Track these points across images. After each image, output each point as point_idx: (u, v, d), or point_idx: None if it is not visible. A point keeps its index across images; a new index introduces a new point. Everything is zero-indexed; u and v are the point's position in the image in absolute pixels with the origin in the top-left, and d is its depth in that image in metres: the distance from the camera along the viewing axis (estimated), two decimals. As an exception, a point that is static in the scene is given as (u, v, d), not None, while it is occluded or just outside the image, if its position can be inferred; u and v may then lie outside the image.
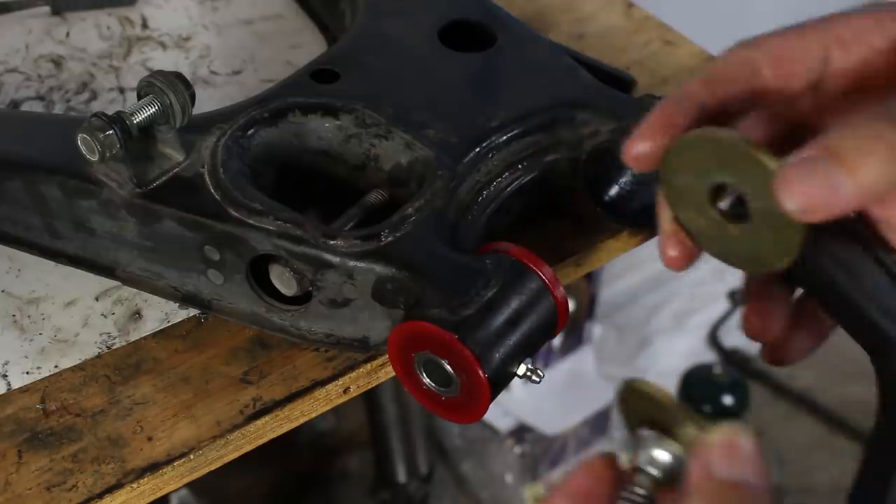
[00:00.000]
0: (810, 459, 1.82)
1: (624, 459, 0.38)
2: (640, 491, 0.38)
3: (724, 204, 0.43)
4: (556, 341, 1.73)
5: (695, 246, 0.46)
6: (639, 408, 0.39)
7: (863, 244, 0.41)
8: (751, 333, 0.46)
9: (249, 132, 0.62)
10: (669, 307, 2.17)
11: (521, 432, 1.66)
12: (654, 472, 0.38)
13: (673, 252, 0.48)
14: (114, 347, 0.62)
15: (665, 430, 0.38)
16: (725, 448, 0.36)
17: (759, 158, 0.39)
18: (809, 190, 0.38)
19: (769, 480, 0.36)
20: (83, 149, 0.57)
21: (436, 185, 0.60)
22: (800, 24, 0.46)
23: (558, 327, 0.56)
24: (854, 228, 0.40)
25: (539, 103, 0.65)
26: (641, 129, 0.46)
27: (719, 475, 0.35)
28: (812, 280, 0.41)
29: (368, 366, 0.61)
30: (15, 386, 0.60)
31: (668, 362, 2.03)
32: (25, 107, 0.76)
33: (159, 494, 0.57)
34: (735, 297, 2.19)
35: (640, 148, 0.46)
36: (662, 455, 0.38)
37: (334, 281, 0.57)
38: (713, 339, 2.14)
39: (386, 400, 1.43)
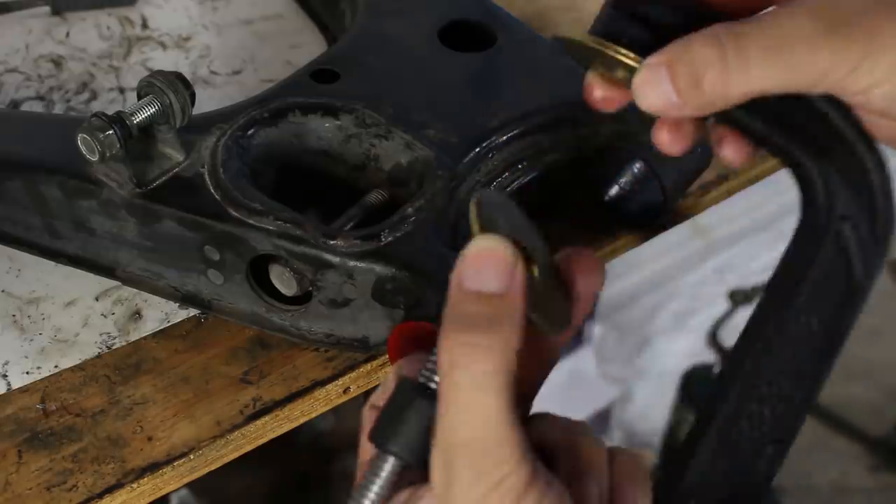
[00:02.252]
0: (810, 459, 1.83)
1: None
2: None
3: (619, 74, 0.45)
4: (556, 341, 1.73)
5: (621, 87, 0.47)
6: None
7: None
8: (661, 145, 0.47)
9: (249, 132, 0.62)
10: (669, 307, 2.17)
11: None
12: None
13: (599, 93, 0.48)
14: (114, 347, 0.62)
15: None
16: (473, 258, 0.38)
17: (616, 58, 0.43)
18: (653, 99, 0.42)
19: (520, 289, 0.37)
20: (83, 149, 0.57)
21: (436, 185, 0.60)
22: None
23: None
24: None
25: (539, 103, 0.65)
26: None
27: (464, 286, 0.38)
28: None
29: (368, 366, 0.61)
30: (15, 386, 0.60)
31: (668, 362, 2.03)
32: (25, 107, 0.76)
33: (159, 494, 0.57)
34: (735, 297, 2.19)
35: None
36: None
37: (334, 281, 0.57)
38: (713, 339, 2.14)
39: (386, 400, 1.43)
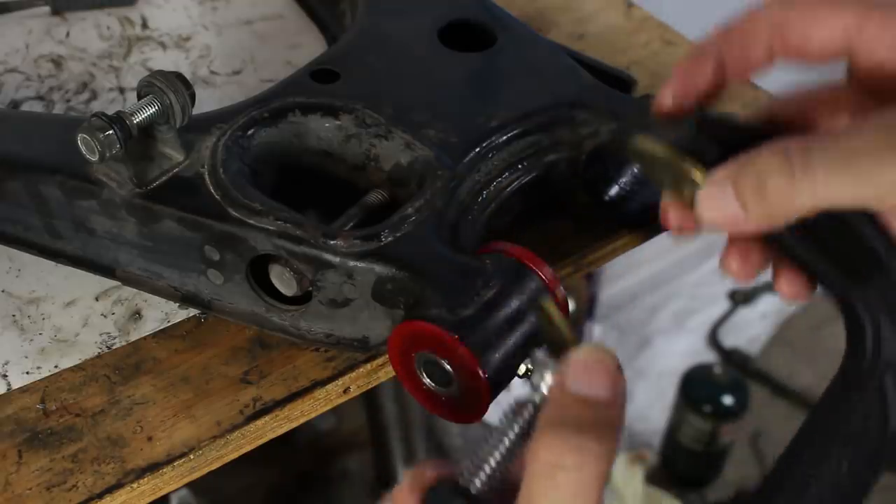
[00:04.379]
0: (810, 459, 1.82)
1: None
2: (529, 410, 0.41)
3: (686, 190, 0.45)
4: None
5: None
6: (544, 329, 0.42)
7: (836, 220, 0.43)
8: (729, 272, 0.48)
9: (249, 132, 0.62)
10: (669, 307, 2.17)
11: (521, 432, 1.66)
12: (539, 395, 0.41)
13: (674, 220, 0.49)
14: (114, 347, 0.62)
15: (561, 354, 0.41)
16: (582, 365, 0.39)
17: (685, 173, 0.43)
18: (717, 213, 0.43)
19: (624, 398, 0.39)
20: (83, 149, 0.57)
21: (436, 185, 0.60)
22: None
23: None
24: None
25: (539, 103, 0.65)
26: (664, 89, 0.49)
27: (572, 390, 0.38)
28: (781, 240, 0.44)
29: (368, 366, 0.61)
30: (15, 386, 0.60)
31: (668, 362, 2.03)
32: (25, 107, 0.76)
33: (159, 494, 0.57)
34: (735, 297, 2.20)
35: (665, 103, 0.49)
36: (547, 380, 0.41)
37: (334, 281, 0.57)
38: (713, 339, 2.14)
39: (386, 400, 1.43)
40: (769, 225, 0.43)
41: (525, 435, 0.42)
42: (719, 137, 0.44)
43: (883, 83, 0.45)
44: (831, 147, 0.41)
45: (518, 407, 0.42)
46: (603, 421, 0.38)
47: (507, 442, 0.42)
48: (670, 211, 0.48)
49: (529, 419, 0.42)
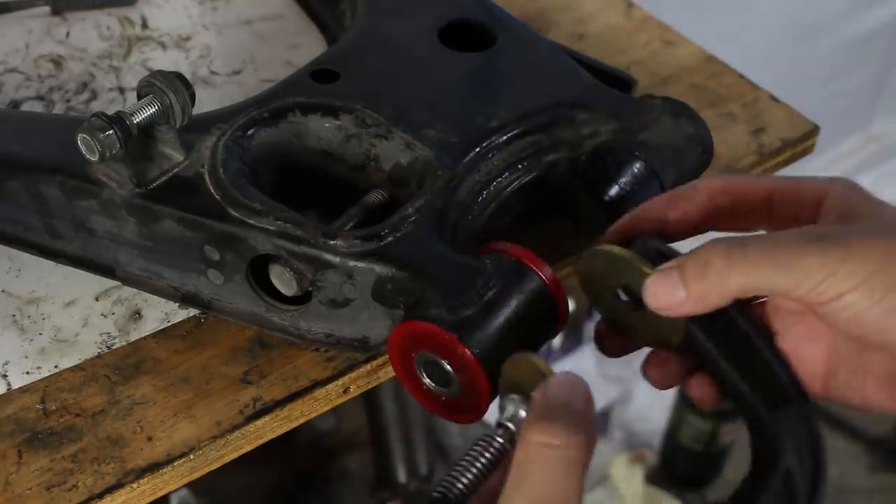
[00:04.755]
0: (810, 459, 1.82)
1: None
2: (499, 440, 0.47)
3: (624, 297, 0.53)
4: (556, 341, 1.73)
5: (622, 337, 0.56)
6: (512, 375, 0.49)
7: (732, 329, 0.51)
8: (648, 380, 0.55)
9: (249, 132, 0.62)
10: (669, 307, 2.16)
11: (521, 432, 1.66)
12: (512, 426, 0.47)
13: (607, 343, 0.57)
14: (114, 347, 0.62)
15: (529, 396, 0.47)
16: (563, 380, 0.46)
17: (639, 268, 0.51)
18: (662, 296, 0.49)
19: (594, 411, 0.45)
20: (83, 149, 0.57)
21: (436, 185, 0.60)
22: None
23: (558, 327, 0.56)
24: (730, 315, 0.51)
25: (539, 103, 0.65)
26: (608, 234, 0.56)
27: (555, 396, 0.45)
28: (697, 353, 0.52)
29: (368, 366, 0.61)
30: (15, 386, 0.60)
31: (668, 362, 2.02)
32: (25, 107, 0.76)
33: (159, 494, 0.57)
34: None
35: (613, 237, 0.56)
36: (521, 413, 0.47)
37: (334, 281, 0.57)
38: (713, 339, 2.14)
39: (386, 400, 1.43)
40: (704, 306, 0.49)
41: (498, 460, 0.47)
42: (660, 252, 0.52)
43: None
44: (763, 241, 0.48)
45: (491, 434, 0.47)
46: (583, 420, 0.44)
47: (482, 461, 0.47)
48: (604, 334, 0.56)
49: (502, 446, 0.47)
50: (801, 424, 0.49)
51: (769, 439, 0.49)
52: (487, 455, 0.47)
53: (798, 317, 0.51)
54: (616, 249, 0.52)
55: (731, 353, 0.51)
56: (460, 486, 0.46)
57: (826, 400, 0.52)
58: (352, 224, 0.59)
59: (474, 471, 0.46)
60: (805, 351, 0.51)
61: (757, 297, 0.52)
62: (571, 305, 1.80)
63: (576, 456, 0.43)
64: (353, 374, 0.61)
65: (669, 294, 0.49)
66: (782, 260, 0.47)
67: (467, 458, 0.47)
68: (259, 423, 0.59)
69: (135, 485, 0.56)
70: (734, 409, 0.53)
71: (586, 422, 0.44)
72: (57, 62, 0.80)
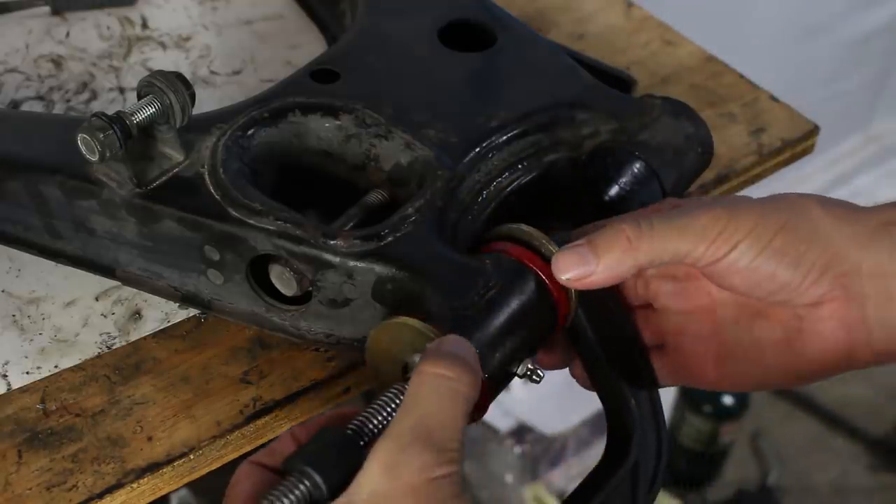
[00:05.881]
0: (810, 459, 1.82)
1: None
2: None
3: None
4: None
5: None
6: (393, 342, 0.52)
7: (609, 319, 0.58)
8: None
9: (249, 132, 0.62)
10: (669, 307, 2.16)
11: (521, 432, 1.66)
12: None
13: None
14: (114, 347, 0.62)
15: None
16: (454, 337, 0.50)
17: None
18: (572, 267, 0.53)
19: (480, 368, 0.49)
20: (83, 149, 0.57)
21: (436, 185, 0.60)
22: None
23: (558, 327, 0.56)
24: (610, 306, 0.57)
25: (539, 103, 0.65)
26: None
27: (446, 345, 0.49)
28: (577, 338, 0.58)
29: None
30: (15, 386, 0.60)
31: (667, 362, 2.02)
32: (25, 107, 0.76)
33: (159, 494, 0.57)
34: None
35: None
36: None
37: (334, 281, 0.57)
38: (713, 339, 2.13)
39: (386, 400, 1.43)
40: (614, 276, 0.53)
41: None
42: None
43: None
44: (664, 214, 0.54)
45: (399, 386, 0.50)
46: (472, 365, 0.48)
47: (390, 407, 0.49)
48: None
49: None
50: (651, 413, 0.57)
51: (624, 426, 0.57)
52: (397, 402, 0.49)
53: (686, 308, 0.58)
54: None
55: (605, 337, 0.57)
56: (370, 426, 0.49)
57: (715, 387, 0.59)
58: (352, 224, 0.59)
59: (385, 413, 0.49)
60: (697, 347, 0.58)
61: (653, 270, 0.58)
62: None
63: (464, 390, 0.47)
64: (353, 374, 0.61)
65: (580, 265, 0.53)
66: (681, 224, 0.53)
67: (378, 403, 0.49)
68: (259, 423, 0.59)
69: (135, 485, 0.56)
70: (597, 393, 0.59)
71: (474, 368, 0.49)
72: (57, 62, 0.80)
